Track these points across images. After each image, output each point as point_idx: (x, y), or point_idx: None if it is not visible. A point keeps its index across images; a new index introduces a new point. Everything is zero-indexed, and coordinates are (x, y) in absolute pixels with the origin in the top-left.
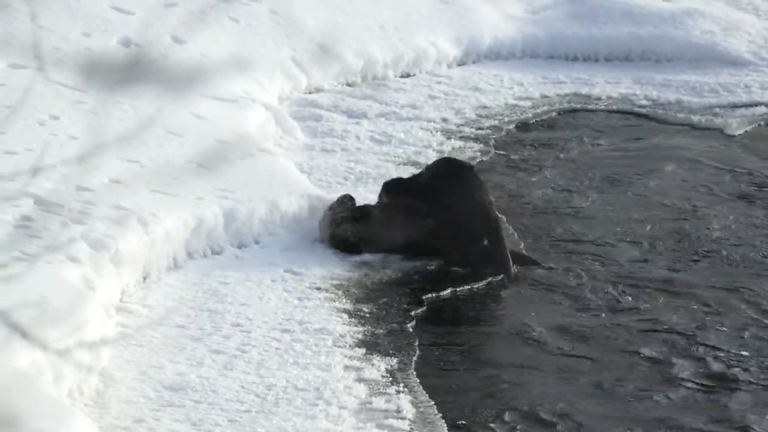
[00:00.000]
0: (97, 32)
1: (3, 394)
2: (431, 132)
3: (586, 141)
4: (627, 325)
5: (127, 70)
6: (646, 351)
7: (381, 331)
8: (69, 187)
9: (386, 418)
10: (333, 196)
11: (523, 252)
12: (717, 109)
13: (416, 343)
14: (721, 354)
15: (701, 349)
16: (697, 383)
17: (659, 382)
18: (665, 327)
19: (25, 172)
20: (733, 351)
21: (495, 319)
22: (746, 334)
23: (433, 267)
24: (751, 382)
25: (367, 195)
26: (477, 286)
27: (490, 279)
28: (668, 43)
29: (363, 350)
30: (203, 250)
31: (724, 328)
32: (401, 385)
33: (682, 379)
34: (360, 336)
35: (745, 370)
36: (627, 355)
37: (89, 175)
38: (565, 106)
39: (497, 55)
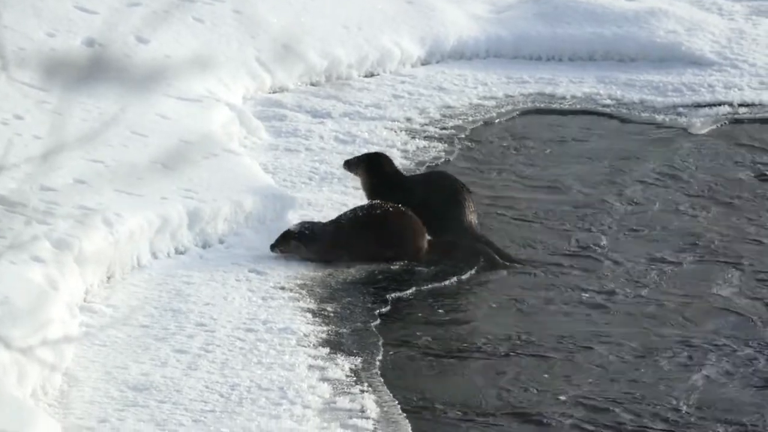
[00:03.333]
0: (61, 32)
1: None
2: (395, 132)
3: (549, 140)
4: (594, 324)
5: (91, 70)
6: (616, 350)
7: (345, 330)
8: (33, 186)
9: (350, 417)
10: (298, 195)
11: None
12: (681, 109)
13: (380, 343)
14: (704, 350)
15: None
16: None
17: (628, 382)
18: (639, 325)
19: None
20: (719, 343)
21: (460, 318)
22: (727, 328)
23: (397, 266)
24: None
25: (332, 195)
26: (441, 285)
27: (455, 278)
28: (632, 42)
29: (327, 350)
30: (167, 250)
31: (699, 325)
32: (365, 384)
33: (644, 385)
34: (324, 335)
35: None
36: (592, 355)
37: (53, 175)
38: (529, 105)
39: (461, 54)
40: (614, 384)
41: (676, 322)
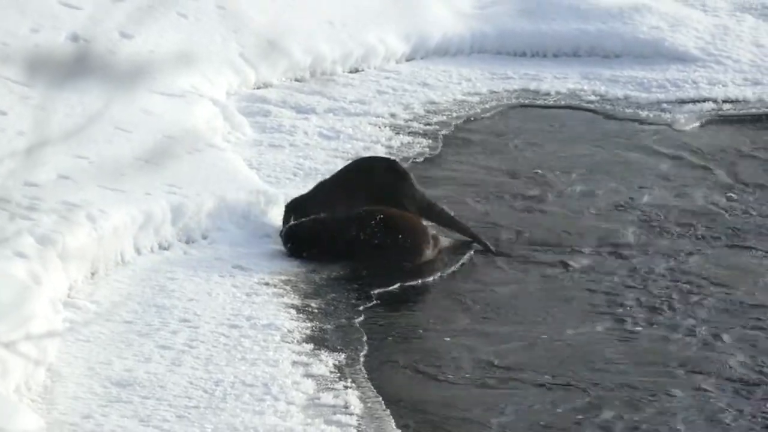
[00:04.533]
0: (45, 28)
1: None
2: (379, 127)
3: (534, 136)
4: (580, 315)
5: (75, 66)
6: (601, 346)
7: (329, 326)
8: (16, 182)
9: (334, 413)
10: (281, 191)
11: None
12: (665, 105)
13: (364, 339)
14: (685, 336)
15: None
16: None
17: (618, 374)
18: (624, 316)
19: None
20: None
21: (443, 314)
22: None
23: (381, 262)
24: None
25: None
26: (426, 281)
27: (439, 273)
28: (616, 38)
29: (311, 346)
30: (151, 246)
31: (676, 315)
32: (349, 380)
33: (636, 371)
34: (308, 331)
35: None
36: (580, 346)
37: (37, 171)
38: (513, 101)
39: (445, 50)
40: (604, 398)
41: (671, 341)
